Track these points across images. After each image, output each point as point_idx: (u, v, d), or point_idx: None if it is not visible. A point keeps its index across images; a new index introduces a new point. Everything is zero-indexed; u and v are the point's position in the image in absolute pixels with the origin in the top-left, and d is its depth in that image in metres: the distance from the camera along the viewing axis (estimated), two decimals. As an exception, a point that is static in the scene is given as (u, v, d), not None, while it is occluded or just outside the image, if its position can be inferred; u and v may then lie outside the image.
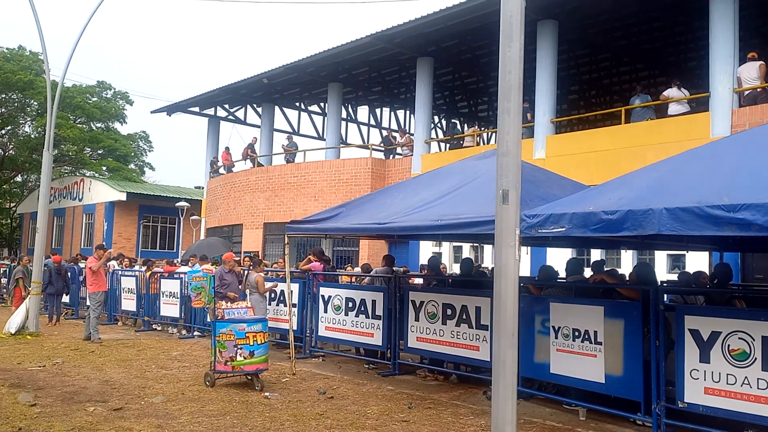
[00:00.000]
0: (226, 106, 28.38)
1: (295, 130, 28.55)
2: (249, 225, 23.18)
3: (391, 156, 21.18)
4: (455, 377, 8.88)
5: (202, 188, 42.95)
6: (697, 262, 11.97)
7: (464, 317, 8.49)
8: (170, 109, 28.73)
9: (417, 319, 9.17)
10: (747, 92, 12.88)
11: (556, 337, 7.26)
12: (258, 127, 29.02)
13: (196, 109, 28.66)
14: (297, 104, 28.02)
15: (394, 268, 10.56)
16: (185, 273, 13.99)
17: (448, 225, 7.09)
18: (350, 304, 10.25)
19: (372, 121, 29.78)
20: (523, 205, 6.92)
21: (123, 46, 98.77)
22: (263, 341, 8.30)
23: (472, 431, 6.49)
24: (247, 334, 8.17)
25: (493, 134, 21.13)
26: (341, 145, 24.33)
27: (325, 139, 28.35)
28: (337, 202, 20.49)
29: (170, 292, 14.00)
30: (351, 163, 20.71)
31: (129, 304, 15.19)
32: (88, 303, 12.46)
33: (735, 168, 5.53)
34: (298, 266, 11.83)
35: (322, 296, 10.74)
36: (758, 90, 12.73)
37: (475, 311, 8.35)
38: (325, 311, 10.67)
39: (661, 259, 14.02)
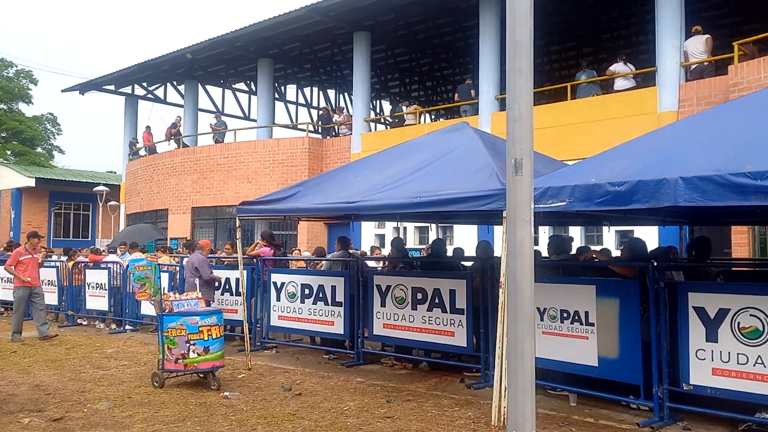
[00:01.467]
0: (145, 84, 26.66)
1: (219, 109, 27.17)
2: (175, 210, 21.87)
3: (329, 135, 20.37)
4: (426, 365, 8.35)
5: (115, 173, 40.79)
6: (647, 237, 11.95)
7: (437, 301, 7.95)
8: (83, 88, 26.75)
9: (383, 304, 8.57)
10: (693, 66, 12.91)
11: (542, 319, 6.84)
12: (179, 106, 27.50)
13: (112, 87, 26.80)
14: (222, 82, 26.62)
15: (351, 251, 9.90)
16: (114, 262, 12.83)
17: (428, 202, 6.49)
18: (306, 291, 9.52)
19: (301, 101, 28.76)
20: (480, 181, 6.47)
21: (31, 20, 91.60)
22: (219, 335, 7.48)
23: (463, 423, 5.97)
24: (200, 328, 7.33)
25: (434, 114, 20.79)
26: (275, 125, 23.29)
27: (251, 119, 27.31)
28: (272, 184, 19.60)
29: (97, 284, 12.80)
30: (287, 143, 19.79)
31: (49, 297, 13.78)
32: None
33: (743, 134, 5.19)
34: (245, 252, 10.96)
35: (274, 283, 9.96)
36: (705, 64, 12.79)
37: (450, 295, 7.82)
38: (278, 299, 9.90)
39: (608, 235, 14.00)
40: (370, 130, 19.25)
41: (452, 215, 10.86)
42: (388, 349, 9.33)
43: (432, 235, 17.11)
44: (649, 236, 12.01)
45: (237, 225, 8.56)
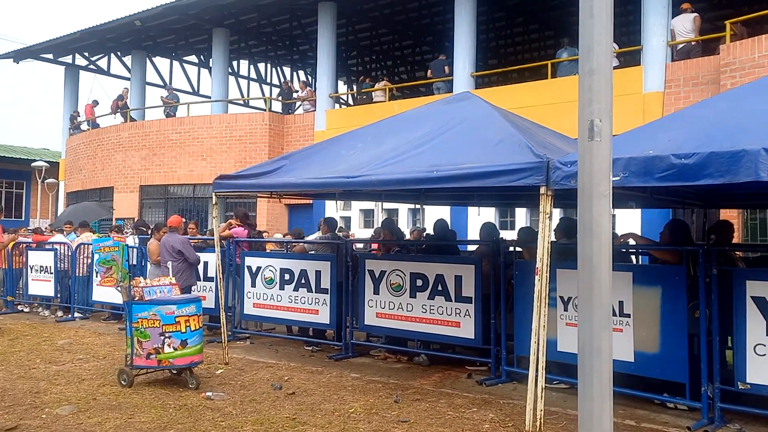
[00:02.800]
0: (86, 54, 24.84)
1: (166, 82, 25.63)
2: (121, 188, 20.41)
3: (291, 111, 19.30)
4: (425, 358, 7.60)
5: (48, 150, 38.18)
6: (628, 220, 11.55)
7: (440, 289, 7.22)
8: (18, 56, 24.72)
9: (376, 292, 7.77)
10: (680, 46, 12.51)
11: (565, 309, 6.20)
12: (124, 78, 25.80)
13: (50, 56, 24.87)
14: (172, 54, 25.08)
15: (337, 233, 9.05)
16: (62, 243, 11.57)
17: (447, 177, 5.69)
18: (287, 277, 8.63)
19: (253, 76, 27.42)
20: (507, 154, 5.76)
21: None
22: (198, 327, 6.54)
23: (490, 429, 5.26)
24: (177, 319, 6.37)
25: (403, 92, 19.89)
26: (234, 99, 22.05)
27: (200, 95, 25.88)
28: (230, 162, 18.43)
29: (41, 267, 11.53)
30: (245, 119, 18.63)
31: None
32: None
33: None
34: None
35: (249, 267, 9.03)
36: (692, 43, 12.40)
37: (455, 281, 7.09)
38: (253, 285, 8.98)
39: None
40: (335, 107, 18.28)
41: (445, 194, 10.14)
42: (376, 340, 8.57)
43: (404, 217, 16.48)
44: (633, 221, 11.64)
45: (213, 202, 7.57)
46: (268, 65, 27.62)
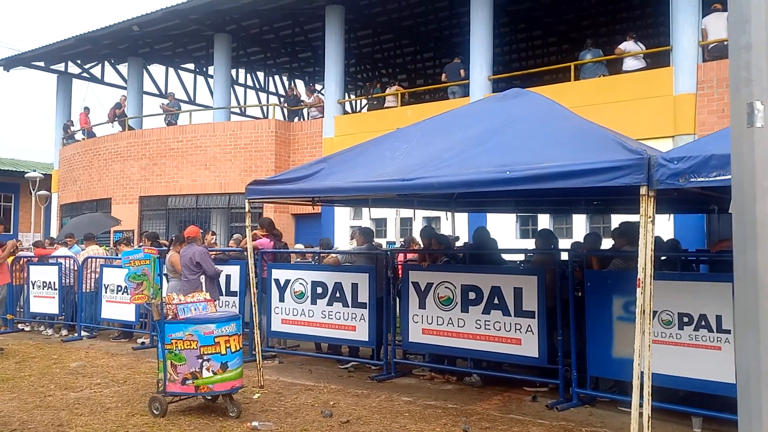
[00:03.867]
0: (79, 61, 24.10)
1: (162, 91, 24.95)
2: (120, 199, 19.62)
3: (296, 118, 18.67)
4: (477, 378, 6.97)
5: (37, 162, 37.18)
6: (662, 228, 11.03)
7: (497, 302, 6.61)
8: (8, 64, 23.89)
9: (422, 306, 7.15)
10: (712, 46, 12.05)
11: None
12: (118, 87, 25.12)
13: (42, 64, 24.09)
14: (169, 62, 24.40)
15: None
16: (67, 257, 10.85)
17: (525, 177, 5.09)
18: (319, 290, 7.99)
19: (251, 84, 26.75)
20: (591, 150, 5.21)
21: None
22: (238, 347, 5.88)
23: (582, 461, 4.65)
24: (216, 339, 5.71)
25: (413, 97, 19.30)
26: (241, 106, 21.39)
27: (197, 104, 25.21)
28: (235, 171, 17.75)
29: (44, 282, 10.80)
30: (250, 126, 17.99)
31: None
32: None
33: None
34: (239, 243, 9.32)
35: (276, 280, 8.38)
36: (725, 43, 11.93)
37: (515, 294, 6.49)
38: (281, 299, 8.33)
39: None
40: (345, 113, 17.67)
41: (479, 201, 9.60)
42: (413, 358, 7.96)
43: (418, 226, 15.85)
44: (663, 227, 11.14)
45: (246, 210, 6.93)
46: (264, 74, 26.95)
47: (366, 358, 8.05)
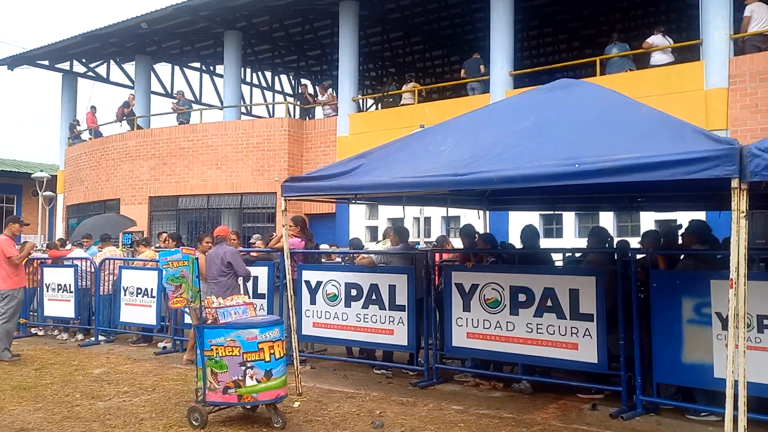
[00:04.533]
0: (84, 60, 23.72)
1: (167, 90, 24.60)
2: (128, 200, 19.24)
3: (308, 117, 18.30)
4: (527, 385, 6.61)
5: (41, 163, 36.63)
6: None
7: (550, 305, 6.26)
8: (13, 62, 23.50)
9: (466, 308, 6.80)
10: (746, 38, 11.70)
11: (724, 328, 5.24)
12: (123, 86, 24.75)
13: (46, 62, 23.69)
14: (177, 60, 24.03)
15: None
16: (83, 258, 10.48)
17: (596, 171, 4.72)
18: (354, 292, 7.63)
19: (257, 83, 26.38)
20: (668, 141, 4.88)
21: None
22: (282, 354, 5.52)
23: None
24: (260, 345, 5.35)
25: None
26: (253, 104, 21.01)
27: (203, 103, 24.82)
28: (247, 170, 17.37)
29: (59, 285, 10.42)
30: (262, 125, 17.63)
31: None
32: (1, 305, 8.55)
33: None
34: (267, 243, 8.96)
35: (307, 282, 8.02)
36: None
37: (570, 296, 6.13)
38: (312, 302, 7.97)
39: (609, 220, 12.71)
40: (360, 111, 17.31)
41: (513, 198, 9.27)
42: (450, 363, 7.61)
43: (437, 224, 15.52)
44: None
45: (283, 208, 6.57)
46: (271, 73, 26.57)
47: (402, 362, 7.68)
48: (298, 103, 18.59)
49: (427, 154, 6.35)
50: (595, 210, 12.27)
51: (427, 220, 15.39)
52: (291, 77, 27.11)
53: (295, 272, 8.23)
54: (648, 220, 12.49)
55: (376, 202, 8.75)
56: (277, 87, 27.18)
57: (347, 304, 7.69)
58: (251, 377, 5.32)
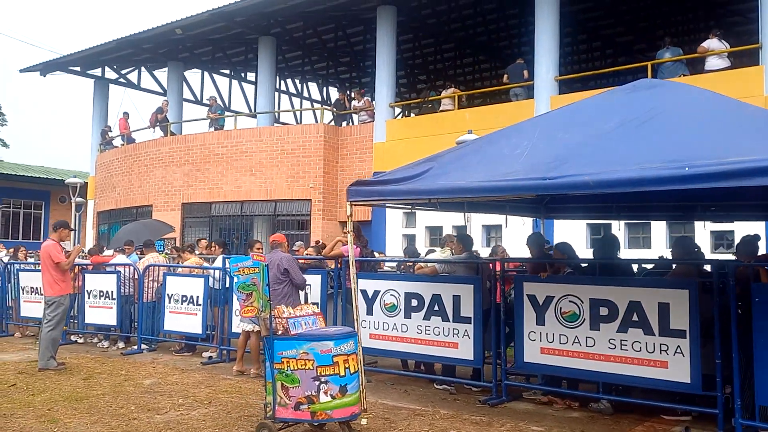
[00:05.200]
0: (115, 66, 23.71)
1: (197, 97, 24.52)
2: (161, 206, 19.07)
3: (345, 123, 18.04)
4: (607, 404, 6.20)
5: (68, 169, 36.69)
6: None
7: (635, 319, 5.85)
8: (45, 68, 23.59)
9: (540, 322, 6.41)
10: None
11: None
12: (154, 92, 24.74)
13: (78, 68, 23.70)
14: (211, 66, 23.97)
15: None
16: (126, 264, 10.23)
17: (711, 174, 4.34)
18: (414, 303, 7.28)
19: (284, 89, 26.19)
20: None
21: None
22: (356, 368, 5.18)
23: None
24: (335, 359, 5.01)
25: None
26: (288, 110, 20.79)
27: (232, 110, 24.64)
28: (281, 177, 17.12)
29: (101, 292, 10.18)
30: (298, 131, 17.37)
31: (33, 308, 11.07)
32: (45, 313, 8.33)
33: None
34: (321, 251, 8.64)
35: (363, 291, 7.67)
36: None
37: (660, 311, 5.73)
38: (369, 312, 7.63)
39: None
40: (396, 117, 17.01)
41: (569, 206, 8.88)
42: (517, 379, 7.21)
43: (478, 234, 15.09)
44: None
45: (348, 213, 6.24)
46: (300, 80, 26.38)
47: (464, 378, 7.30)
48: (334, 109, 18.32)
49: (503, 157, 6.00)
50: (645, 219, 11.78)
51: (465, 228, 15.00)
52: (319, 84, 26.88)
53: (349, 281, 7.94)
54: (702, 231, 12.03)
55: (435, 208, 8.36)
56: (305, 94, 27.04)
57: (407, 315, 7.34)
58: (325, 393, 4.97)
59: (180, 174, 18.67)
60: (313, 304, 7.81)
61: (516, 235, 11.15)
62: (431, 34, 21.12)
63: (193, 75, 24.29)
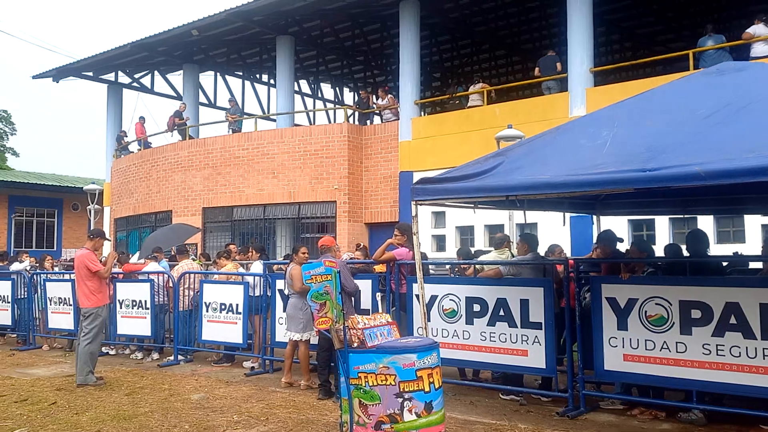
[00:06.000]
0: (128, 70, 23.32)
1: (210, 100, 24.14)
2: (181, 211, 18.65)
3: (368, 122, 17.58)
4: (700, 415, 5.73)
5: (79, 177, 36.41)
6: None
7: (733, 322, 5.38)
8: (58, 74, 23.20)
9: (622, 326, 5.94)
10: None
11: None
12: (168, 96, 24.37)
13: (91, 73, 23.33)
14: (225, 68, 23.59)
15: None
16: (159, 272, 9.81)
17: None
18: (476, 308, 6.82)
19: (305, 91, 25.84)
20: None
21: None
22: (440, 384, 4.73)
23: None
24: (418, 373, 4.56)
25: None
26: (312, 110, 20.35)
27: (246, 112, 24.21)
28: (305, 179, 16.66)
29: (134, 301, 9.76)
30: (320, 131, 16.91)
31: (61, 319, 10.69)
32: (83, 325, 7.88)
33: None
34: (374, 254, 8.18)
35: (419, 297, 7.20)
36: None
37: (761, 313, 5.26)
38: (427, 319, 7.14)
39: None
40: (422, 115, 16.52)
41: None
42: (590, 387, 6.72)
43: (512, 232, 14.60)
44: None
45: (413, 213, 5.80)
46: (312, 80, 25.96)
47: (531, 387, 6.85)
48: (357, 107, 17.86)
49: (580, 148, 5.57)
50: (700, 214, 11.25)
51: (500, 227, 14.52)
52: (332, 83, 26.43)
53: (404, 285, 7.51)
54: (753, 225, 11.55)
55: (497, 207, 7.92)
56: (318, 95, 26.64)
57: (469, 321, 6.88)
58: (410, 410, 4.52)
59: (200, 178, 18.26)
60: (364, 311, 7.43)
61: (550, 234, 10.67)
62: (452, 29, 20.68)
63: (204, 78, 23.93)
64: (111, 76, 23.59)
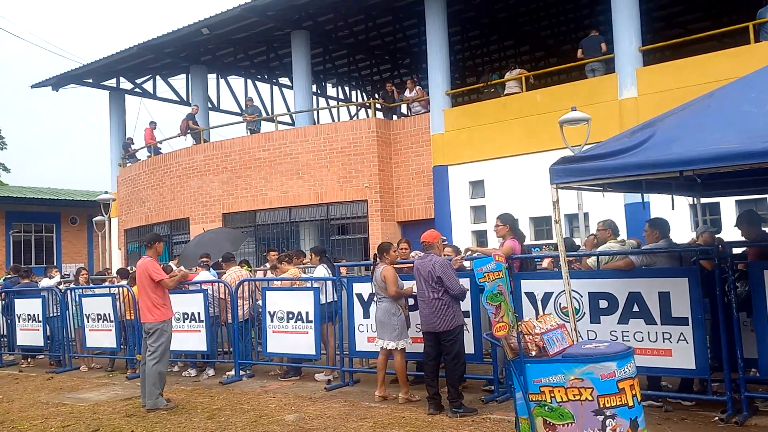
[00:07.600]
0: (130, 75, 22.39)
1: (215, 103, 23.26)
2: (199, 218, 17.74)
3: (395, 116, 16.79)
4: None
5: (78, 193, 35.31)
6: None
7: None
8: (58, 82, 22.20)
9: (791, 316, 5.22)
10: None
11: None
12: (170, 101, 23.49)
13: (91, 80, 22.37)
14: (233, 68, 22.75)
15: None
16: (212, 281, 8.97)
17: None
18: (603, 304, 6.06)
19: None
20: None
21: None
22: (641, 396, 3.96)
23: None
24: (620, 385, 3.80)
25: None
26: (340, 103, 19.63)
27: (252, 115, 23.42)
28: (332, 178, 15.82)
29: (185, 314, 8.91)
30: (347, 127, 16.10)
31: (100, 337, 9.81)
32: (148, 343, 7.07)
33: None
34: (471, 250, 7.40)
35: (529, 294, 6.46)
36: None
37: None
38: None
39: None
40: (453, 105, 15.75)
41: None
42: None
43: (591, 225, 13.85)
44: None
45: (553, 200, 5.02)
46: (322, 78, 25.17)
47: (671, 391, 6.11)
48: (383, 101, 17.07)
49: (747, 115, 4.87)
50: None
51: (545, 219, 13.81)
52: (347, 81, 25.66)
53: (512, 281, 6.72)
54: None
55: (614, 190, 7.11)
56: (331, 93, 25.91)
57: (594, 319, 6.12)
58: (613, 430, 3.75)
59: (218, 183, 17.37)
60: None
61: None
62: (477, 19, 19.96)
63: (212, 82, 23.08)
64: (113, 83, 22.68)
